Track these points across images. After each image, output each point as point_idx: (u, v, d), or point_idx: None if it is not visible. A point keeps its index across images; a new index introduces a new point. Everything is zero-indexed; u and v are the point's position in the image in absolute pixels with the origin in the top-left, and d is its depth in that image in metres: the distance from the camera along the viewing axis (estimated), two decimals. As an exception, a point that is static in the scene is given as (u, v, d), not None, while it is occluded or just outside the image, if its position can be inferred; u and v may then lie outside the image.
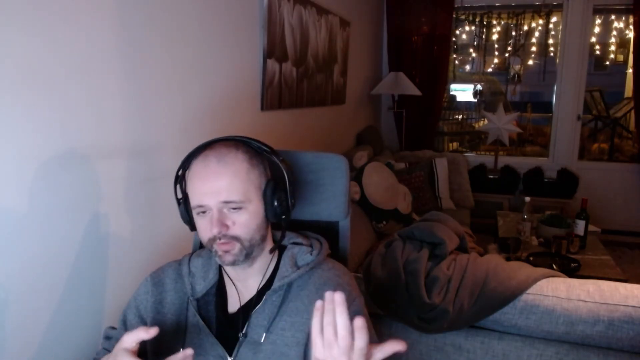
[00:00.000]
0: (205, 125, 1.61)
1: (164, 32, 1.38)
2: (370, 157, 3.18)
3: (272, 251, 0.96)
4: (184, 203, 0.94)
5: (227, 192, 0.86)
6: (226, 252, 0.88)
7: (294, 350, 0.88)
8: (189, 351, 0.75)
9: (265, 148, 0.95)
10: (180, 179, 0.94)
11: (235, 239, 0.88)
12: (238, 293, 0.96)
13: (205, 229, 0.88)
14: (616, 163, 4.68)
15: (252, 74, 2.00)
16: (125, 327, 0.97)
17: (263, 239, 0.93)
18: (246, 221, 0.88)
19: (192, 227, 0.95)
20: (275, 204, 0.91)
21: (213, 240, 0.88)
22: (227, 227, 0.87)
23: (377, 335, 0.94)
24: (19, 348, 1.00)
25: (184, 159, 0.92)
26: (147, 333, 0.75)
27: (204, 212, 0.88)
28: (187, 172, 0.91)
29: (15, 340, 0.99)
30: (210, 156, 0.88)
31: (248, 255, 0.90)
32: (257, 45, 2.00)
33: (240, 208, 0.87)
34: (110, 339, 0.98)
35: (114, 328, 1.00)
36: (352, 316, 0.91)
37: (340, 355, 0.69)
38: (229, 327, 0.93)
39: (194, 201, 0.89)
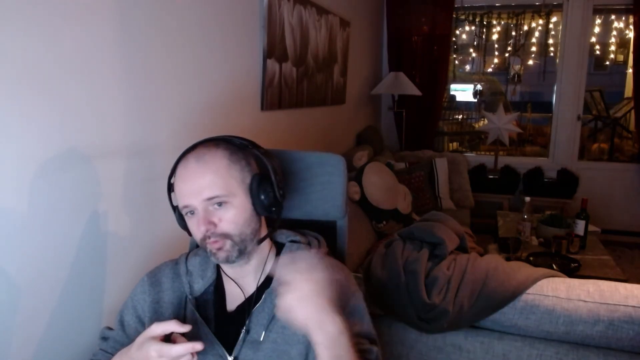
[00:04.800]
0: (205, 125, 1.61)
1: (164, 32, 1.38)
2: (370, 157, 3.18)
3: (260, 242, 0.95)
4: (178, 209, 0.94)
5: (208, 189, 0.86)
6: (218, 249, 0.88)
7: (296, 349, 0.88)
8: (198, 345, 0.75)
9: (246, 143, 0.95)
10: (173, 186, 0.94)
11: (225, 235, 0.88)
12: (242, 290, 0.96)
13: (196, 229, 0.89)
14: (616, 163, 4.68)
15: (252, 74, 2.00)
16: (123, 328, 0.96)
17: (254, 234, 0.93)
18: (233, 217, 0.88)
19: (190, 232, 0.95)
20: (262, 196, 0.91)
21: (204, 239, 0.88)
22: (214, 224, 0.87)
23: (377, 335, 0.95)
24: (19, 347, 1.00)
25: (172, 167, 0.93)
26: (180, 327, 0.76)
27: (192, 212, 0.89)
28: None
29: (15, 339, 0.98)
30: (190, 158, 0.89)
31: (241, 251, 0.90)
32: (257, 45, 2.00)
33: (224, 203, 0.88)
34: (107, 340, 0.97)
35: (110, 329, 0.99)
36: (352, 310, 0.91)
37: None
38: (228, 325, 0.93)
39: (180, 203, 0.90)
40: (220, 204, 0.87)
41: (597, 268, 2.42)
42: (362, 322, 0.92)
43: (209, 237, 0.87)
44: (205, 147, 0.91)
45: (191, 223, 0.90)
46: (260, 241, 0.95)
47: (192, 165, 0.88)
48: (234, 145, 0.93)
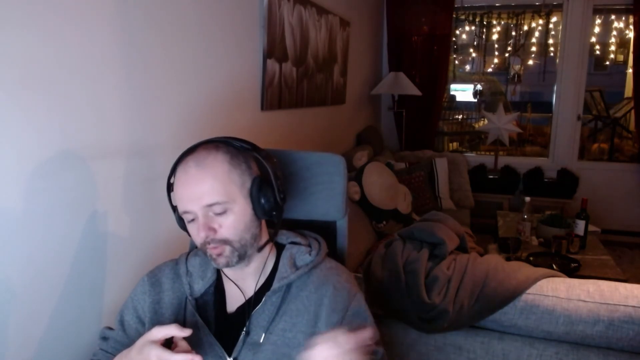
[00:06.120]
0: (205, 125, 1.61)
1: (164, 32, 1.38)
2: (370, 157, 3.18)
3: (260, 250, 0.94)
4: (178, 210, 0.93)
5: (209, 196, 0.85)
6: (218, 255, 0.88)
7: (296, 351, 0.88)
8: (197, 358, 0.75)
9: (247, 146, 0.93)
10: (172, 187, 0.94)
11: (225, 241, 0.87)
12: (242, 292, 0.96)
13: (196, 234, 0.88)
14: (616, 163, 4.68)
15: (252, 74, 2.00)
16: (123, 328, 0.96)
17: (255, 238, 0.92)
18: (233, 222, 0.88)
19: (189, 233, 0.95)
20: (262, 200, 0.90)
21: (204, 244, 0.88)
22: (214, 230, 0.87)
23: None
24: (19, 347, 1.00)
25: (172, 167, 0.92)
26: (180, 331, 0.76)
27: (192, 218, 0.88)
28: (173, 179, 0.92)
29: (15, 339, 0.98)
30: (190, 162, 0.87)
31: (241, 256, 0.90)
32: (257, 45, 2.00)
33: (225, 210, 0.87)
34: (108, 340, 0.97)
35: (110, 329, 0.99)
36: (354, 312, 0.91)
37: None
38: (228, 327, 0.93)
39: (180, 208, 0.89)
40: (220, 212, 0.87)
41: (597, 268, 2.42)
42: (365, 323, 0.91)
43: (209, 243, 0.87)
44: (206, 151, 0.89)
45: (191, 228, 0.90)
46: (261, 248, 0.95)
47: (192, 170, 0.86)
48: (234, 148, 0.92)
